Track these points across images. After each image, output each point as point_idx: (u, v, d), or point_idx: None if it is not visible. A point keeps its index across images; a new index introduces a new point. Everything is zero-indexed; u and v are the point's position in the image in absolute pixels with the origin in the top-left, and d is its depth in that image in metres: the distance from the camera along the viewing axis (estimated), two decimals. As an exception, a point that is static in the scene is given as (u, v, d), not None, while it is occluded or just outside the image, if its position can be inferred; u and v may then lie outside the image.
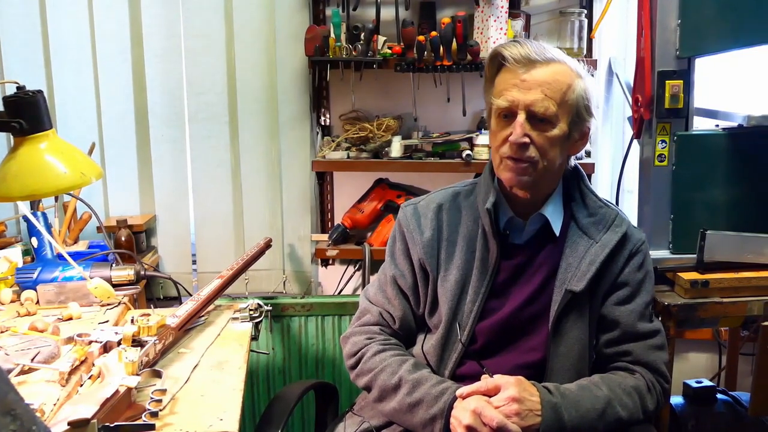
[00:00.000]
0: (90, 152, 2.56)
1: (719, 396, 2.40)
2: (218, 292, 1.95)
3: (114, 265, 2.06)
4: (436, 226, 1.66)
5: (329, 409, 1.97)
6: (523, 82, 1.51)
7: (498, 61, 1.56)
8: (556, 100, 1.51)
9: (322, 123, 2.81)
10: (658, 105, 2.03)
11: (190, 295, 2.04)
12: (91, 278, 1.92)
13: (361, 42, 2.52)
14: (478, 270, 1.62)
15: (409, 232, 1.68)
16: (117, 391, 1.33)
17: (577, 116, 1.55)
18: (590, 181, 2.68)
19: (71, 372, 1.47)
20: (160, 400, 1.39)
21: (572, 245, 1.61)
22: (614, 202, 2.44)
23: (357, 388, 1.69)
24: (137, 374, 1.44)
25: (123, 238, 2.49)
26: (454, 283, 1.62)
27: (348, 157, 2.67)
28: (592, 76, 1.60)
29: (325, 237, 2.72)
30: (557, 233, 1.63)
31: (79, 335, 1.63)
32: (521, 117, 1.51)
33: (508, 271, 1.63)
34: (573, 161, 1.66)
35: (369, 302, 1.75)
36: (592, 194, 1.68)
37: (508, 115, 1.54)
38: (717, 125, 2.15)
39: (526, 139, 1.51)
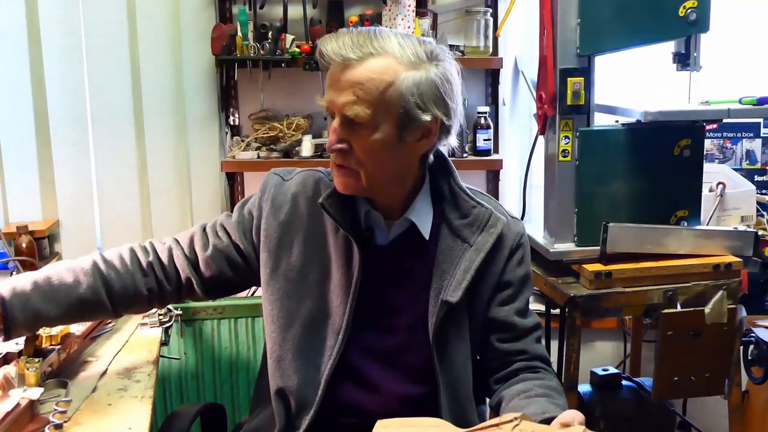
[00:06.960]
0: (-14, 156, 2.46)
1: (624, 382, 2.49)
2: (126, 298, 1.90)
3: (15, 273, 1.99)
4: (291, 211, 1.51)
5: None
6: (337, 83, 1.35)
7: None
8: (371, 102, 1.33)
9: (231, 123, 2.77)
10: (561, 102, 2.08)
11: (96, 302, 1.98)
12: (-12, 287, 1.84)
13: (269, 41, 2.51)
14: (341, 273, 1.47)
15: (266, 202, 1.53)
16: (18, 404, 1.29)
17: (406, 116, 1.35)
18: (499, 177, 2.78)
19: (-32, 386, 1.41)
20: (64, 412, 1.36)
21: (445, 250, 1.48)
22: (522, 197, 2.51)
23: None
24: (40, 385, 1.40)
25: (24, 245, 2.40)
26: (314, 283, 1.48)
27: (258, 157, 2.65)
28: (446, 60, 1.39)
29: (236, 238, 2.69)
30: (426, 236, 1.48)
31: (-24, 348, 1.57)
32: (336, 121, 1.37)
33: (372, 275, 1.47)
34: (431, 158, 1.49)
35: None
36: (464, 192, 1.53)
37: (333, 114, 1.39)
38: (617, 121, 2.23)
39: (341, 146, 1.37)
